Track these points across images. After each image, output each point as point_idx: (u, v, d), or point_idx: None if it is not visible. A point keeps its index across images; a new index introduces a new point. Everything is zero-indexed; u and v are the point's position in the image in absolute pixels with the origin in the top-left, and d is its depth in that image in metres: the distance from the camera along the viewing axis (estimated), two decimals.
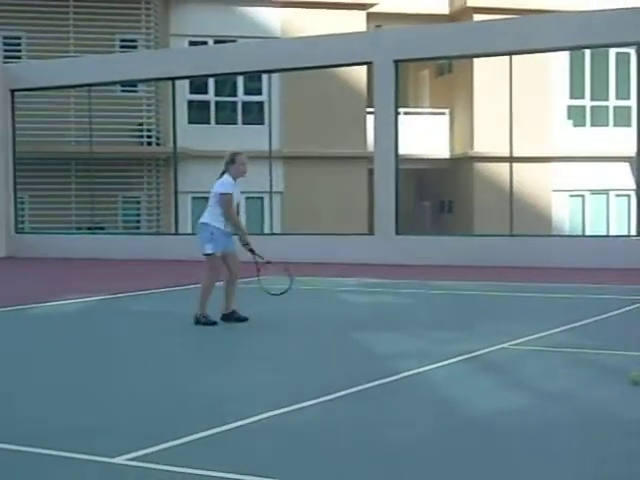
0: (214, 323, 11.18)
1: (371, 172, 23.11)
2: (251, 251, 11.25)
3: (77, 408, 7.00)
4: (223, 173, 11.20)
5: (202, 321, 11.18)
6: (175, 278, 17.79)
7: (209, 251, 11.13)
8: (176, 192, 24.96)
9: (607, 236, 27.39)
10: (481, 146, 29.16)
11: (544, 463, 5.41)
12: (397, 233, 21.67)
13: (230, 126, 29.73)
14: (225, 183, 11.10)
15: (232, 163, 11.14)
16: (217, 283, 11.42)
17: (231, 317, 11.38)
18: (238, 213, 11.41)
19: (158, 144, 29.27)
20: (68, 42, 28.87)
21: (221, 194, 11.06)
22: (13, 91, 26.03)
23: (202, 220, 11.24)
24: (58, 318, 12.60)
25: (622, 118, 29.27)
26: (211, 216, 11.17)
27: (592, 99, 30.44)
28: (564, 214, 30.38)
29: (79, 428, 6.31)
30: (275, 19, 30.10)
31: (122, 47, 29.23)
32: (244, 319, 11.36)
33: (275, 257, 22.22)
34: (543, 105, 29.57)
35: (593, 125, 30.45)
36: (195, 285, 16.53)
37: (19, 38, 29.17)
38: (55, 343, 10.47)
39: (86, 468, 5.39)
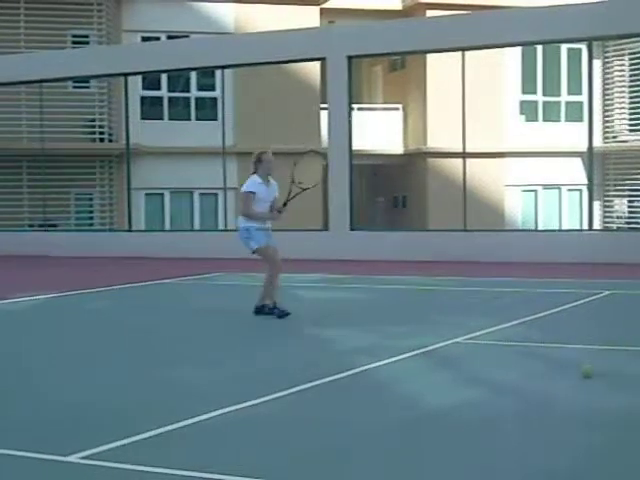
0: (287, 314, 11.30)
1: (325, 168, 23.11)
2: (284, 205, 11.41)
3: (27, 406, 6.94)
4: (253, 173, 11.38)
5: (271, 312, 11.28)
6: (128, 275, 17.72)
7: (254, 247, 11.42)
8: (129, 189, 24.82)
9: (559, 230, 27.61)
10: (434, 141, 29.26)
11: (495, 455, 5.45)
12: (351, 229, 21.73)
13: (183, 122, 29.57)
14: (248, 182, 11.37)
15: (259, 162, 11.35)
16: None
17: (264, 310, 11.43)
18: (272, 209, 11.43)
19: (111, 140, 29.05)
20: (19, 38, 28.55)
21: (242, 192, 11.38)
22: None
23: (237, 223, 11.54)
24: (6, 316, 12.49)
25: (574, 113, 29.50)
26: (243, 217, 11.48)
27: (544, 94, 30.65)
28: (517, 209, 30.56)
29: (29, 426, 6.25)
30: (228, 14, 29.97)
31: (74, 43, 28.94)
32: (288, 314, 11.36)
33: (229, 254, 22.14)
34: (496, 101, 29.72)
35: (545, 120, 30.65)
36: (152, 282, 16.51)
37: None
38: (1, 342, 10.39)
39: (37, 467, 5.34)
